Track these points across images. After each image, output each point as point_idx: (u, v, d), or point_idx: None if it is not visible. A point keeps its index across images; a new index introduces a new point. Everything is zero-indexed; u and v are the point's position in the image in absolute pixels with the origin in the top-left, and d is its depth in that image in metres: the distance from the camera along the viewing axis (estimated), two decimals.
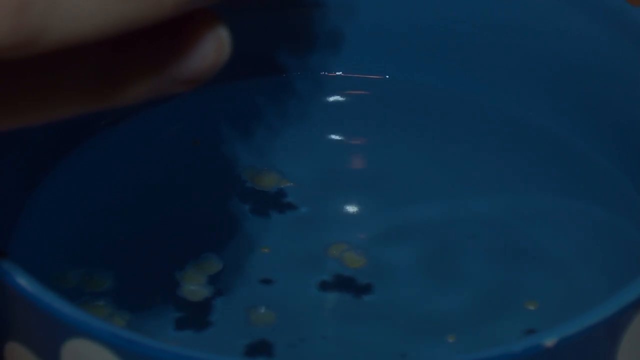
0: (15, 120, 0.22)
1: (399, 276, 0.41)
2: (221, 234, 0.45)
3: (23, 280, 0.29)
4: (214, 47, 0.22)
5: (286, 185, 0.47)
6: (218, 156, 0.48)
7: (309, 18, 0.46)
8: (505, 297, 0.40)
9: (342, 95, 0.48)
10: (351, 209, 0.44)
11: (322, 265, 0.43)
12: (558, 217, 0.42)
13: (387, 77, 0.47)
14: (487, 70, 0.45)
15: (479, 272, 0.42)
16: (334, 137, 0.47)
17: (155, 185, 0.48)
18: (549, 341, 0.26)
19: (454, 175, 0.45)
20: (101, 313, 0.39)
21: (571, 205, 0.43)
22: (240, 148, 0.47)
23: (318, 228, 0.44)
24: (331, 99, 0.46)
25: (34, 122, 0.22)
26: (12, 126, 0.22)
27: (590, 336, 0.27)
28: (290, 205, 0.46)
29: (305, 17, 0.46)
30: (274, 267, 0.42)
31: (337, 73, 0.47)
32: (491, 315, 0.39)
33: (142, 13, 0.20)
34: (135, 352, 0.27)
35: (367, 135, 0.47)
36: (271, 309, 0.40)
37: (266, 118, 0.48)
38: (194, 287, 0.41)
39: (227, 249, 0.44)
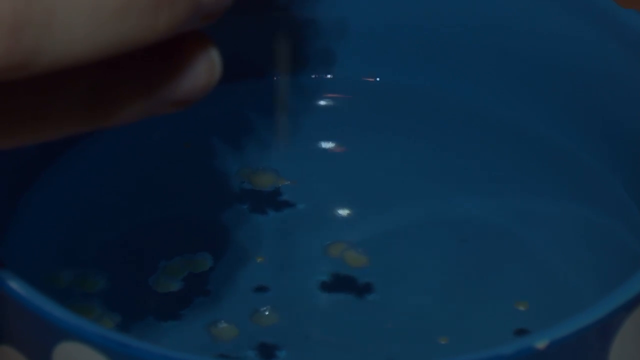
0: (7, 141, 0.22)
1: (391, 278, 0.41)
2: (220, 234, 0.45)
3: (14, 284, 0.29)
4: (206, 68, 0.22)
5: (283, 184, 0.47)
6: (210, 158, 0.48)
7: (299, 21, 0.46)
8: (496, 298, 0.40)
9: (333, 98, 0.48)
10: (345, 210, 0.45)
11: (322, 264, 0.43)
12: (548, 219, 0.42)
13: (378, 79, 0.47)
14: (478, 72, 0.45)
15: (470, 273, 0.42)
16: (326, 139, 0.47)
17: (148, 187, 0.48)
18: (541, 343, 0.26)
19: (445, 178, 0.45)
20: (91, 314, 0.39)
21: (561, 207, 0.43)
22: (233, 150, 0.47)
23: (316, 227, 0.44)
24: (322, 101, 0.47)
25: (25, 143, 0.22)
26: (4, 147, 0.22)
27: (582, 338, 0.27)
28: (287, 203, 0.46)
29: (296, 20, 0.46)
30: (272, 268, 0.42)
31: (328, 76, 0.47)
32: (482, 316, 0.39)
33: (136, 36, 0.20)
34: (127, 355, 0.27)
35: (359, 137, 0.48)
36: (270, 310, 0.40)
37: (257, 121, 0.48)
38: (167, 279, 0.41)
39: (225, 249, 0.44)
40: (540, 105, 0.44)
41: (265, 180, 0.46)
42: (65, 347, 0.29)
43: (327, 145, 0.47)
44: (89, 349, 0.28)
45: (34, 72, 0.19)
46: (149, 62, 0.21)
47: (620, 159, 0.41)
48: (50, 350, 0.29)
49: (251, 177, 0.45)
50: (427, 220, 0.44)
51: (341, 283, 0.41)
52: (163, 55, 0.21)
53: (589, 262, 0.41)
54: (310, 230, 0.44)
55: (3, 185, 0.41)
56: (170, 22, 0.19)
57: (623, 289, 0.28)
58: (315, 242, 0.42)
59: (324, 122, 0.47)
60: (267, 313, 0.40)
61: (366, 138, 0.48)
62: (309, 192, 0.45)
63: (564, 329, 0.26)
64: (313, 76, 0.47)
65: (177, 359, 0.27)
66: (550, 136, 0.44)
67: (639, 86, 0.40)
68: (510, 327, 0.38)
